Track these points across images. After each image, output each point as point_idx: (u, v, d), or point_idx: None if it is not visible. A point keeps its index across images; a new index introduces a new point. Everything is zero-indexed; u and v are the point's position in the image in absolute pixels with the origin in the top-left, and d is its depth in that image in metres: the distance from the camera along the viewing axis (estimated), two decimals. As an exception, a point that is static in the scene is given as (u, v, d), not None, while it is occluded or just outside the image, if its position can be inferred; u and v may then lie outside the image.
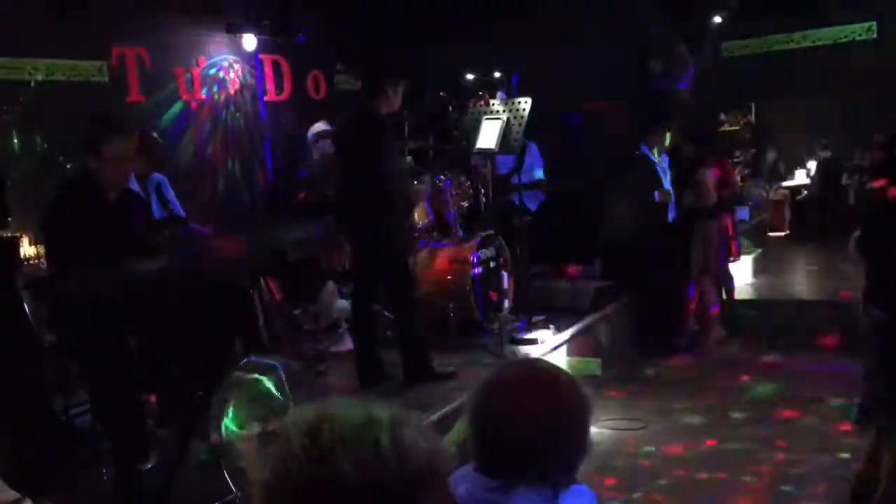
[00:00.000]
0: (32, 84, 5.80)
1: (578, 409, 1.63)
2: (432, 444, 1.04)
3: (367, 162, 4.95)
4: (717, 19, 8.52)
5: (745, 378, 6.52)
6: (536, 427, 1.57)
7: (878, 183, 3.75)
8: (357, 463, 0.96)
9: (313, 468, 0.97)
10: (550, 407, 1.60)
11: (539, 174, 7.46)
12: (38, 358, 4.25)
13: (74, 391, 4.48)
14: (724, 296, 7.51)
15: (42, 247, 4.57)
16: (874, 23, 8.59)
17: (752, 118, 10.82)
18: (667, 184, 7.24)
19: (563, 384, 1.65)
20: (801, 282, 8.84)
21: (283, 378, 3.83)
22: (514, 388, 1.64)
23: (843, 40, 8.78)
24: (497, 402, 1.63)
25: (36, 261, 5.00)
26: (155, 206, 5.04)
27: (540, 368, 1.74)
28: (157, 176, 5.45)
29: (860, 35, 8.73)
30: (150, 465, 3.89)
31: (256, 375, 3.84)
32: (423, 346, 5.24)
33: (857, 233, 3.83)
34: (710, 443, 5.31)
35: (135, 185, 4.76)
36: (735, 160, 9.35)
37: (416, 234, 6.33)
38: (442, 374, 5.21)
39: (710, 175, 7.18)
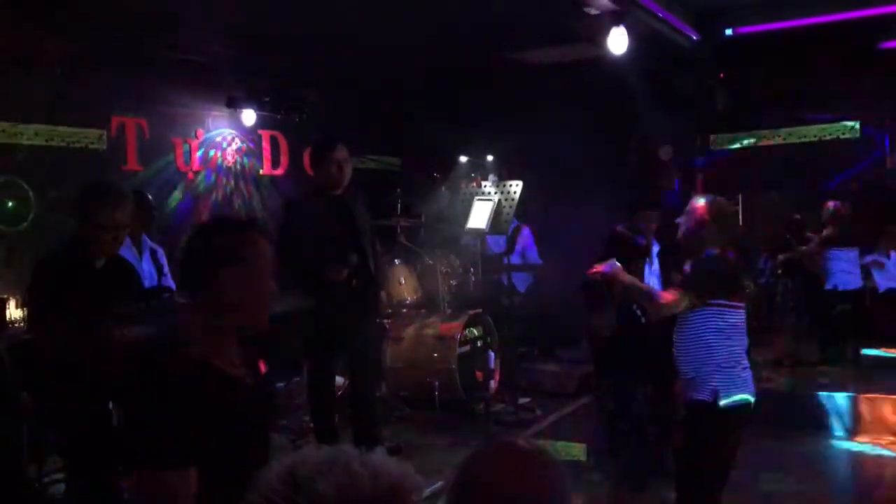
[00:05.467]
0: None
1: (557, 490, 1.62)
2: (402, 466, 1.16)
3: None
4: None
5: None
6: None
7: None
8: (334, 485, 1.07)
9: (295, 497, 1.07)
10: (529, 487, 1.59)
11: (534, 257, 7.50)
12: (16, 422, 4.19)
13: (49, 458, 4.39)
14: None
15: (26, 310, 4.56)
16: (858, 122, 8.84)
17: (740, 210, 10.99)
18: (655, 272, 7.23)
19: (542, 464, 1.64)
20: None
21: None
22: (493, 467, 1.63)
23: (828, 138, 9.03)
24: (477, 482, 1.62)
25: (21, 324, 4.97)
26: (147, 266, 5.01)
27: (519, 448, 1.73)
28: (149, 241, 5.46)
29: (844, 134, 8.98)
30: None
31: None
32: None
33: None
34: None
35: (129, 250, 4.73)
36: None
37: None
38: (390, 448, 5.16)
39: None
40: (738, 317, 3.57)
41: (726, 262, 3.63)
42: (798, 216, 8.27)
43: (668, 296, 3.54)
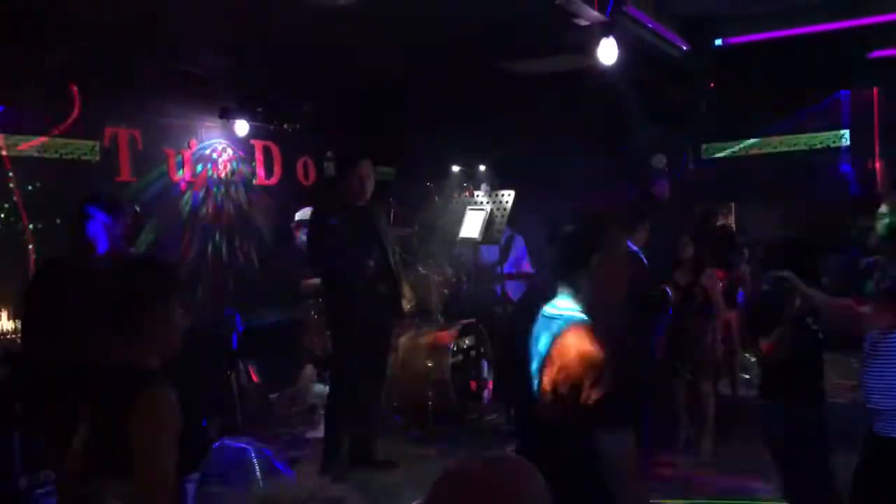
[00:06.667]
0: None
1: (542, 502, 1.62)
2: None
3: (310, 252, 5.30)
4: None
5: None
6: None
7: None
8: None
9: None
10: (514, 500, 1.59)
11: (527, 266, 7.52)
12: (9, 433, 4.19)
13: (41, 469, 4.39)
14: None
15: (21, 321, 4.56)
16: (847, 131, 8.90)
17: (733, 219, 11.00)
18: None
19: (523, 480, 1.64)
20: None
21: (255, 463, 3.78)
22: (470, 482, 1.62)
23: (818, 146, 9.08)
24: (454, 496, 1.61)
25: (14, 335, 4.97)
26: None
27: (505, 461, 1.72)
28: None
29: (833, 142, 9.04)
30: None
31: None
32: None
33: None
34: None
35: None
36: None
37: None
38: (385, 462, 5.19)
39: (714, 277, 6.58)
40: None
41: None
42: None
43: (867, 310, 3.21)
